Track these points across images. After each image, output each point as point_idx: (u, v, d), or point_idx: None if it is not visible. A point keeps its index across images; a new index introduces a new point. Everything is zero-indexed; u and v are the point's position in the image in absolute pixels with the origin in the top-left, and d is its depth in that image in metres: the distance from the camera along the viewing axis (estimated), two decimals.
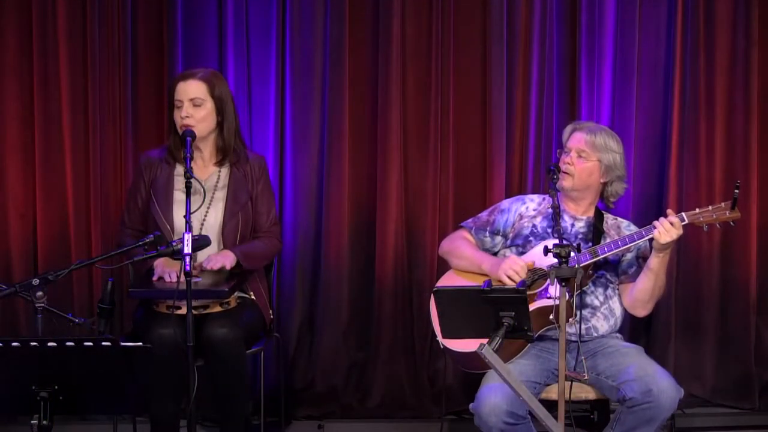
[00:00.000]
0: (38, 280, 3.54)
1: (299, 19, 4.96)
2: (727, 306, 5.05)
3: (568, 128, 4.29)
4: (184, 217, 3.79)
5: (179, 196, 4.27)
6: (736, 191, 3.93)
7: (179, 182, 4.28)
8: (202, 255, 4.18)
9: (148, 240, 3.75)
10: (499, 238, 4.29)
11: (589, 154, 4.17)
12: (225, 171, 4.35)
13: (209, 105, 4.27)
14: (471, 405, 3.92)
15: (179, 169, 4.32)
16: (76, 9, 4.87)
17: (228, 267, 4.17)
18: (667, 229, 3.93)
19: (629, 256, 4.17)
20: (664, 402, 3.82)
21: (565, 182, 4.16)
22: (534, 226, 4.22)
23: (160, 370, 3.95)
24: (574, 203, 4.24)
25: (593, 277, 4.13)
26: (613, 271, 4.18)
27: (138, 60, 4.95)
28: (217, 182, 4.33)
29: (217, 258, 4.16)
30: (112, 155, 4.94)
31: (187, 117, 4.22)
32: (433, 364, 5.03)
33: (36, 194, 4.91)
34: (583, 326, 4.08)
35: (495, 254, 4.29)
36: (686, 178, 4.99)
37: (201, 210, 4.25)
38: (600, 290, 4.16)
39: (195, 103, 4.24)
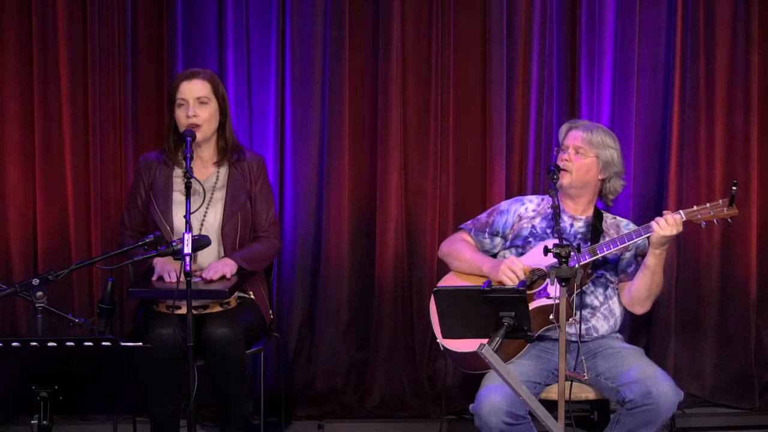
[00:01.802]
0: (38, 280, 3.54)
1: (299, 19, 4.96)
2: (727, 306, 5.05)
3: (564, 127, 4.30)
4: (184, 217, 3.79)
5: (178, 197, 4.27)
6: (734, 188, 3.95)
7: (178, 183, 4.29)
8: (202, 255, 4.18)
9: (148, 240, 3.75)
10: (498, 240, 4.29)
11: (587, 151, 4.18)
12: (224, 171, 4.35)
13: (214, 104, 4.28)
14: (471, 405, 3.92)
15: (178, 171, 4.32)
16: (76, 9, 4.87)
17: (228, 276, 4.17)
18: (669, 223, 3.94)
19: (628, 255, 4.18)
20: (663, 404, 3.82)
21: (564, 179, 4.17)
22: (533, 227, 4.23)
23: (160, 370, 3.95)
24: (572, 202, 4.24)
25: (592, 277, 4.14)
26: (613, 270, 4.19)
27: (138, 60, 4.95)
28: (216, 182, 4.34)
29: (217, 267, 4.16)
30: (112, 155, 4.94)
31: (194, 116, 4.22)
32: (433, 364, 5.03)
33: (36, 194, 4.92)
34: (583, 326, 4.08)
35: (494, 255, 4.29)
36: (686, 178, 4.99)
37: (200, 210, 4.25)
38: (600, 290, 4.16)
39: (201, 101, 4.24)
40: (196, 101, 4.23)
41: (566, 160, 4.18)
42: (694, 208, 4.02)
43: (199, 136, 4.21)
